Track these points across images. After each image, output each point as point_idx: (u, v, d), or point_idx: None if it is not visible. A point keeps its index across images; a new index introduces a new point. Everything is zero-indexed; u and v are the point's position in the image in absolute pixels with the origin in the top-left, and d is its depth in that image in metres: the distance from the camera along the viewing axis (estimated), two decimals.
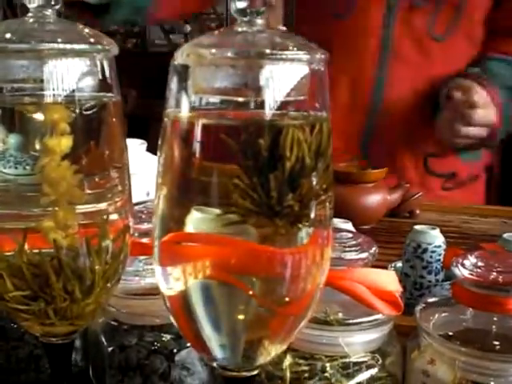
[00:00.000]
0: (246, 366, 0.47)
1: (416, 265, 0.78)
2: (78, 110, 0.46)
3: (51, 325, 0.49)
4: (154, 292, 0.59)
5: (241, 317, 0.43)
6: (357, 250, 0.58)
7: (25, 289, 0.47)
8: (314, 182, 0.42)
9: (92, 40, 0.47)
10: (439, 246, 0.77)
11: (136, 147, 1.03)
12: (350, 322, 0.55)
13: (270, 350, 0.46)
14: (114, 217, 0.49)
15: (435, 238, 0.77)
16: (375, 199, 1.12)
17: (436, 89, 1.39)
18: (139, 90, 3.71)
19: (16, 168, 0.47)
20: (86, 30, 0.47)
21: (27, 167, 0.47)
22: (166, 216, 0.44)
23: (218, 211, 0.41)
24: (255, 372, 0.47)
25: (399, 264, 0.80)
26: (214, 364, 0.47)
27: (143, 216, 0.63)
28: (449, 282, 0.74)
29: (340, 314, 0.56)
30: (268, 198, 0.41)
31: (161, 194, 0.44)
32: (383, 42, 1.39)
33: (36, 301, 0.48)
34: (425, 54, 1.41)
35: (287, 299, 0.43)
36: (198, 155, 0.42)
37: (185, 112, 0.43)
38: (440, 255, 0.76)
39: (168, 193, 0.44)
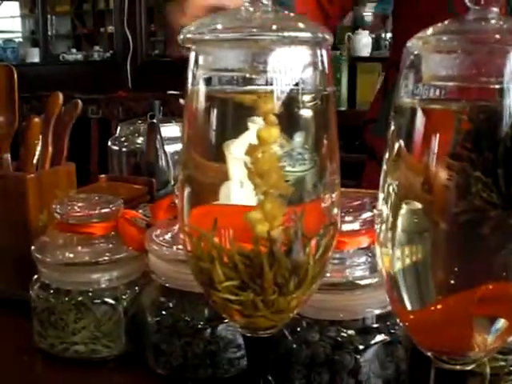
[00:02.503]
0: (461, 359, 0.46)
1: None
2: (298, 102, 0.46)
3: (257, 317, 0.49)
4: (336, 287, 0.58)
5: None
6: None
7: (235, 279, 0.47)
8: None
9: (312, 29, 0.46)
10: None
11: None
12: None
13: (486, 346, 0.45)
14: (330, 211, 0.49)
15: None
16: None
17: None
18: None
19: (303, 165, 0.47)
20: (302, 19, 0.47)
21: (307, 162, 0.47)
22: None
23: None
24: (470, 367, 0.46)
25: None
26: (429, 354, 0.46)
27: None
28: None
29: None
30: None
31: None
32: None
33: (245, 291, 0.47)
34: None
35: None
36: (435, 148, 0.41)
37: (418, 101, 0.42)
38: None
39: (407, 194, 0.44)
